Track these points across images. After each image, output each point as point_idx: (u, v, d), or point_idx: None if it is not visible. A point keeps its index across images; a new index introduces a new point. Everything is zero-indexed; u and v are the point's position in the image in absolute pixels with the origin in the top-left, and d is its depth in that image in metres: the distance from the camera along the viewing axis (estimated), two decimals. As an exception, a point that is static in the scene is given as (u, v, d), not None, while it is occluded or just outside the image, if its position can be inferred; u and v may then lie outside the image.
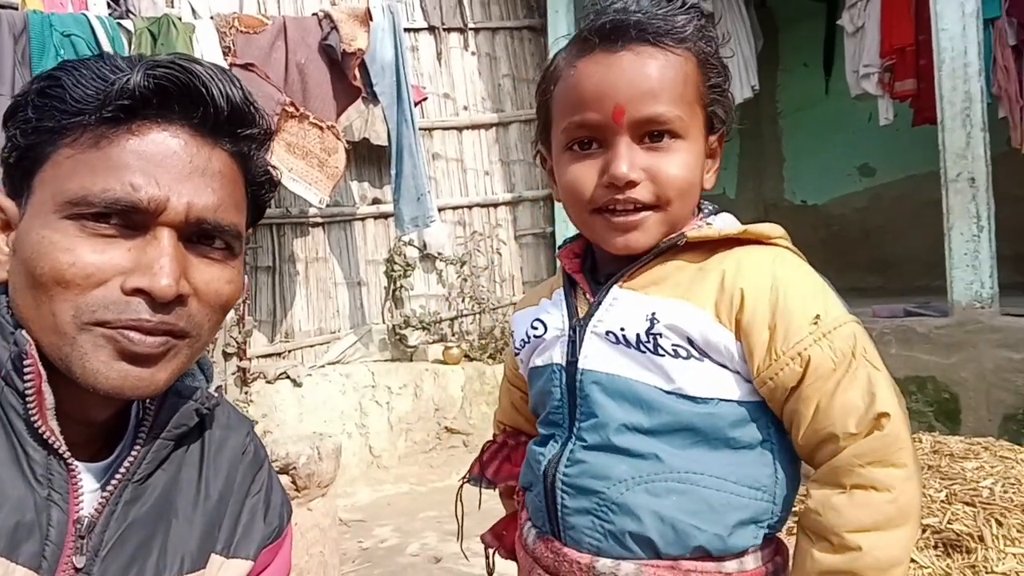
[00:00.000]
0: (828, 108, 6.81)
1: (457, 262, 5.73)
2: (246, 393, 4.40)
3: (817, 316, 0.82)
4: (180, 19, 3.83)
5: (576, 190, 0.89)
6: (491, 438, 1.17)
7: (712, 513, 0.82)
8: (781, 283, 0.83)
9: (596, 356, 0.88)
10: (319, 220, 5.37)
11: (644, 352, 0.85)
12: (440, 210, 5.32)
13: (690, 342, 0.84)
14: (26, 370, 0.66)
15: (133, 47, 3.76)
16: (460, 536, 1.19)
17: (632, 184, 0.85)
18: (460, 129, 5.89)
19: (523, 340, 1.01)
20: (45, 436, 0.68)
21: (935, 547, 2.12)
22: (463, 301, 5.69)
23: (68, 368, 0.68)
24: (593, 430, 0.87)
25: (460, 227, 5.85)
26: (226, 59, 4.00)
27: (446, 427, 4.92)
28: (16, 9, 3.83)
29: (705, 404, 0.84)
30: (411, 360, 5.38)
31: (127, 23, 3.82)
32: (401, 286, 5.54)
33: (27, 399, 0.67)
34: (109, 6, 4.18)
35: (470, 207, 5.89)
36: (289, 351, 5.16)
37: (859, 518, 0.78)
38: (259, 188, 0.83)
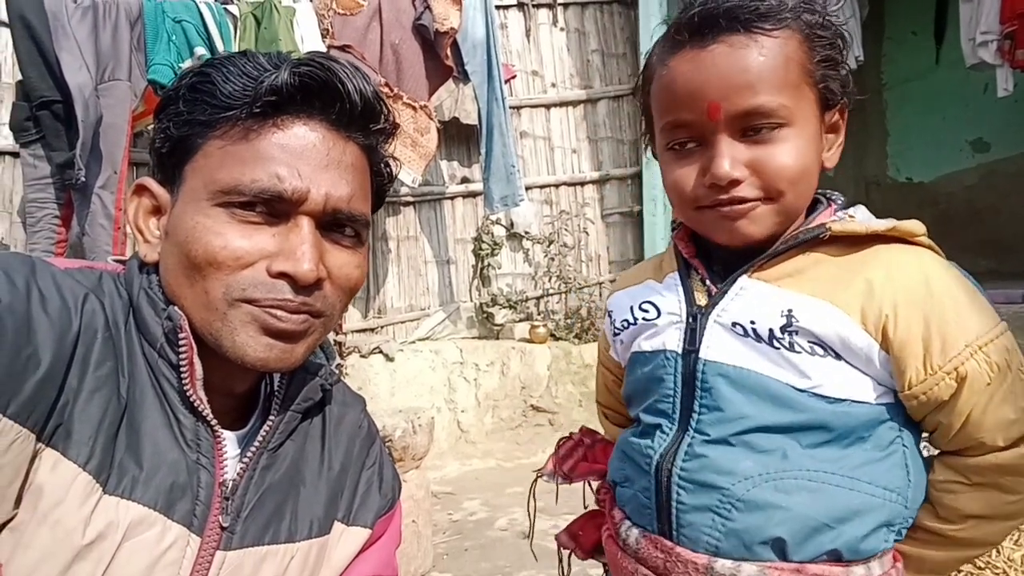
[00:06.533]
0: (938, 79, 6.43)
1: (544, 241, 5.74)
2: (341, 367, 4.56)
3: (973, 328, 0.77)
4: (281, 3, 3.96)
5: (680, 191, 0.87)
6: (567, 435, 1.14)
7: (847, 513, 0.78)
8: (936, 291, 0.78)
9: (720, 347, 0.84)
10: (410, 199, 5.49)
11: (777, 348, 0.81)
12: (527, 189, 5.33)
13: (828, 344, 0.80)
14: (180, 343, 0.72)
15: (238, 31, 3.91)
16: (531, 534, 1.17)
17: (736, 182, 0.81)
18: (548, 107, 5.87)
19: (627, 322, 0.97)
20: (195, 404, 0.73)
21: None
22: (549, 280, 5.71)
23: (218, 341, 0.72)
24: (718, 424, 0.83)
25: (547, 206, 5.86)
26: (324, 41, 4.11)
27: (532, 405, 4.97)
28: (131, -3, 4.04)
29: (840, 404, 0.80)
30: (498, 338, 5.45)
31: (232, 8, 3.98)
32: (488, 264, 5.60)
33: (180, 370, 0.72)
34: (215, -8, 4.36)
35: (557, 186, 5.88)
36: (381, 327, 5.32)
37: (971, 507, 0.80)
38: (381, 178, 0.86)
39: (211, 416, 0.74)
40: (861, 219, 0.85)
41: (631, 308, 0.96)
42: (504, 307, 5.51)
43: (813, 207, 0.91)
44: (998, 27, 4.37)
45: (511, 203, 4.94)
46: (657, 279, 0.97)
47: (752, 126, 0.80)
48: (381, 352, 4.81)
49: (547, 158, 5.90)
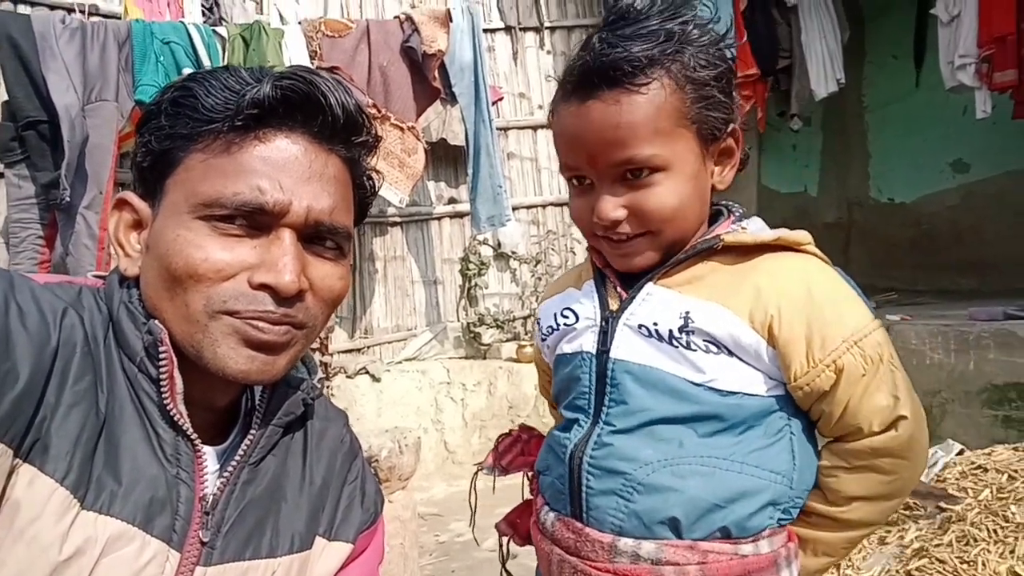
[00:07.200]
0: (918, 101, 6.51)
1: (531, 261, 5.76)
2: (327, 387, 4.53)
3: (849, 325, 0.87)
4: (270, 25, 3.99)
5: (578, 221, 0.97)
6: (507, 432, 1.22)
7: (735, 494, 0.86)
8: (815, 293, 0.88)
9: (628, 347, 0.92)
10: (397, 219, 5.49)
11: (676, 347, 0.89)
12: (514, 209, 5.36)
13: (721, 342, 0.89)
14: (160, 357, 0.71)
15: (227, 53, 3.93)
16: (472, 522, 1.26)
17: (617, 222, 0.90)
18: (535, 128, 5.91)
19: (551, 327, 1.04)
20: (175, 418, 0.73)
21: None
22: (537, 300, 5.71)
23: (199, 354, 0.72)
24: (624, 416, 0.91)
25: (534, 226, 5.88)
26: (313, 62, 4.13)
27: (520, 425, 4.95)
28: (120, 18, 4.05)
29: (732, 396, 0.89)
30: (485, 358, 5.43)
31: (221, 30, 4.00)
32: (476, 284, 5.61)
33: (160, 384, 0.72)
34: (204, 14, 4.38)
35: (544, 206, 5.91)
36: (368, 347, 5.30)
37: (853, 489, 0.90)
38: (364, 191, 0.87)
39: (191, 430, 0.74)
40: (753, 230, 0.95)
41: (554, 315, 1.05)
42: (491, 327, 5.51)
43: (716, 218, 1.00)
44: (976, 51, 4.45)
45: (498, 223, 4.96)
46: (577, 287, 1.05)
47: (630, 171, 0.89)
48: (367, 372, 4.78)
49: (534, 179, 5.94)
